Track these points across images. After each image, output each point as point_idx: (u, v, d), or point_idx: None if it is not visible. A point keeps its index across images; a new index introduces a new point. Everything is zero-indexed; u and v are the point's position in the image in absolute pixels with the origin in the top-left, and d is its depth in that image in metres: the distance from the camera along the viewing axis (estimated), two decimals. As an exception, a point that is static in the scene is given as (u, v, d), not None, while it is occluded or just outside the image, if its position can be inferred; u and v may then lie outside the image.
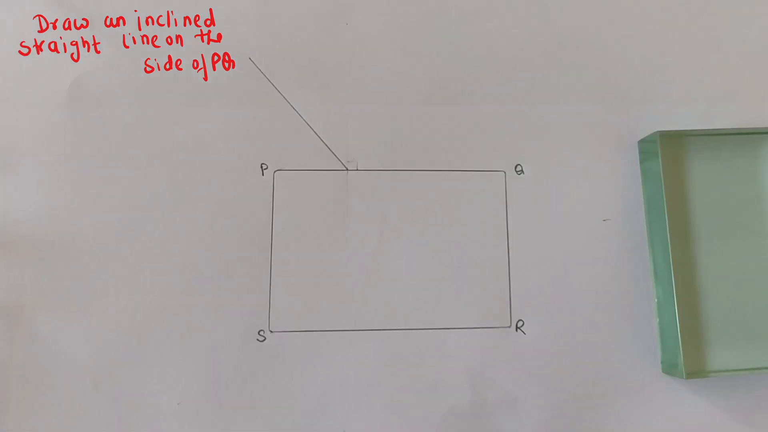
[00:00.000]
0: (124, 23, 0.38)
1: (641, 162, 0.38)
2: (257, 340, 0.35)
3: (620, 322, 0.36)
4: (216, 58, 0.38)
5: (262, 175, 0.37)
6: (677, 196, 0.37)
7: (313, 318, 0.36)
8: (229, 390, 0.35)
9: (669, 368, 0.35)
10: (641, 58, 0.39)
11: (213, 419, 0.34)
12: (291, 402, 0.35)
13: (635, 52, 0.39)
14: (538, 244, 0.37)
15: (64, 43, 0.38)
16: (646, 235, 0.37)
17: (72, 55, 0.37)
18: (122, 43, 0.38)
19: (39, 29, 0.38)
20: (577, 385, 0.35)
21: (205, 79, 0.38)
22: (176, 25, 0.38)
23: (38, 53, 0.37)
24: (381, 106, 0.38)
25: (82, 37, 0.38)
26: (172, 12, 0.38)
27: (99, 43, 0.38)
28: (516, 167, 0.38)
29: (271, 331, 0.35)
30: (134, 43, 0.38)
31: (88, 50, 0.38)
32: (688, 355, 0.35)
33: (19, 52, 0.37)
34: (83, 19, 0.38)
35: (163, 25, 0.38)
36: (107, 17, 0.38)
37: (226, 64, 0.38)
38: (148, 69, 0.37)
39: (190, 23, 0.38)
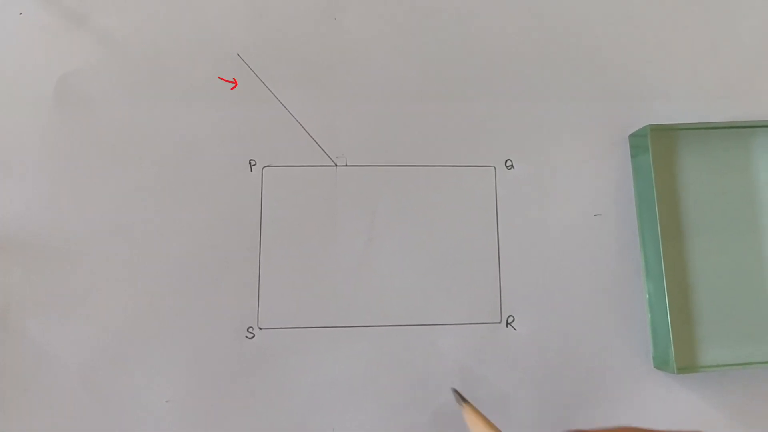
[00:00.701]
0: (112, 21, 0.38)
1: (632, 157, 0.37)
2: (246, 337, 0.35)
3: (611, 318, 0.36)
4: (205, 55, 0.38)
5: (251, 171, 0.37)
6: (668, 190, 0.37)
7: (302, 315, 0.35)
8: (218, 387, 0.34)
9: (660, 363, 0.35)
10: (632, 53, 0.39)
11: (202, 417, 0.34)
12: (280, 399, 0.35)
13: (626, 48, 0.39)
14: (528, 240, 0.37)
15: (51, 41, 0.37)
16: (638, 230, 0.37)
17: (59, 52, 0.37)
18: (110, 41, 0.37)
19: (25, 25, 0.37)
20: (569, 381, 0.35)
21: (194, 75, 0.37)
22: (165, 22, 0.38)
23: (25, 51, 0.37)
24: (370, 101, 0.38)
25: (69, 35, 0.37)
26: (161, 10, 0.38)
27: (86, 40, 0.37)
28: (506, 162, 0.37)
29: (260, 328, 0.35)
30: (123, 40, 0.38)
31: (75, 48, 0.37)
32: (679, 350, 0.35)
33: (5, 49, 0.37)
34: (71, 15, 0.38)
35: (152, 22, 0.38)
36: (94, 15, 0.38)
37: (215, 61, 0.37)
38: (137, 67, 0.37)
39: (179, 20, 0.38)
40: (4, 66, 0.37)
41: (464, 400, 0.30)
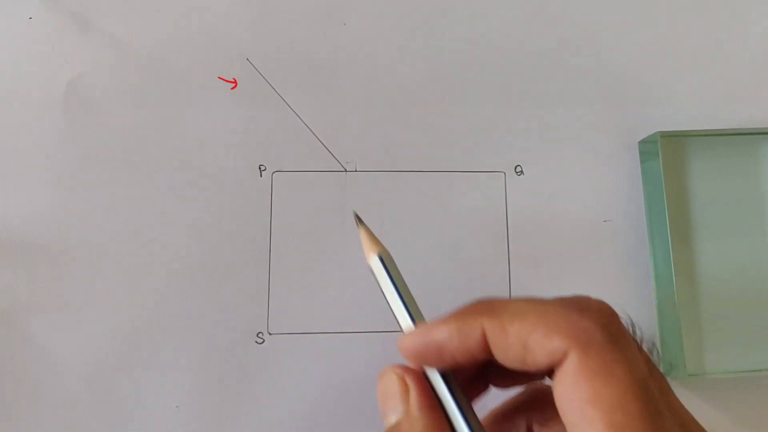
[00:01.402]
0: (120, 25, 0.38)
1: (642, 162, 0.37)
2: (256, 342, 0.35)
3: (621, 324, 0.36)
4: (214, 59, 0.38)
5: (261, 176, 0.37)
6: (678, 196, 0.37)
7: (312, 320, 0.35)
8: (228, 393, 0.34)
9: (670, 369, 0.35)
10: (641, 59, 0.39)
11: (211, 422, 0.34)
12: (290, 404, 0.34)
13: (635, 54, 0.39)
14: (538, 246, 0.37)
15: (59, 44, 0.37)
16: (647, 236, 0.37)
17: (68, 56, 0.37)
18: (119, 46, 0.37)
19: (34, 30, 0.37)
20: (578, 387, 0.35)
21: (203, 80, 0.37)
22: (174, 27, 0.38)
23: (33, 54, 0.37)
24: (380, 107, 0.38)
25: (77, 38, 0.37)
26: (169, 14, 0.38)
27: (95, 45, 0.37)
28: (516, 168, 0.37)
29: (270, 334, 0.35)
30: (132, 45, 0.38)
31: (84, 52, 0.37)
32: (689, 356, 0.35)
33: (14, 52, 0.37)
34: (78, 19, 0.38)
35: (160, 26, 0.38)
36: (102, 18, 0.38)
37: (224, 66, 0.37)
38: (145, 71, 0.37)
39: (187, 24, 0.38)
40: (14, 69, 0.37)
41: (361, 222, 0.30)
